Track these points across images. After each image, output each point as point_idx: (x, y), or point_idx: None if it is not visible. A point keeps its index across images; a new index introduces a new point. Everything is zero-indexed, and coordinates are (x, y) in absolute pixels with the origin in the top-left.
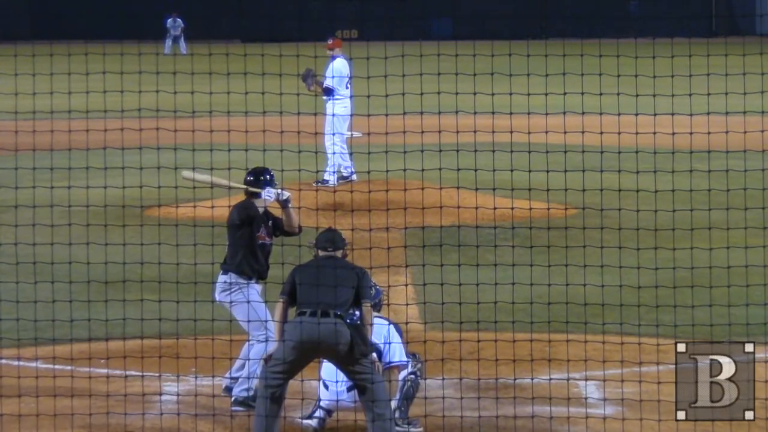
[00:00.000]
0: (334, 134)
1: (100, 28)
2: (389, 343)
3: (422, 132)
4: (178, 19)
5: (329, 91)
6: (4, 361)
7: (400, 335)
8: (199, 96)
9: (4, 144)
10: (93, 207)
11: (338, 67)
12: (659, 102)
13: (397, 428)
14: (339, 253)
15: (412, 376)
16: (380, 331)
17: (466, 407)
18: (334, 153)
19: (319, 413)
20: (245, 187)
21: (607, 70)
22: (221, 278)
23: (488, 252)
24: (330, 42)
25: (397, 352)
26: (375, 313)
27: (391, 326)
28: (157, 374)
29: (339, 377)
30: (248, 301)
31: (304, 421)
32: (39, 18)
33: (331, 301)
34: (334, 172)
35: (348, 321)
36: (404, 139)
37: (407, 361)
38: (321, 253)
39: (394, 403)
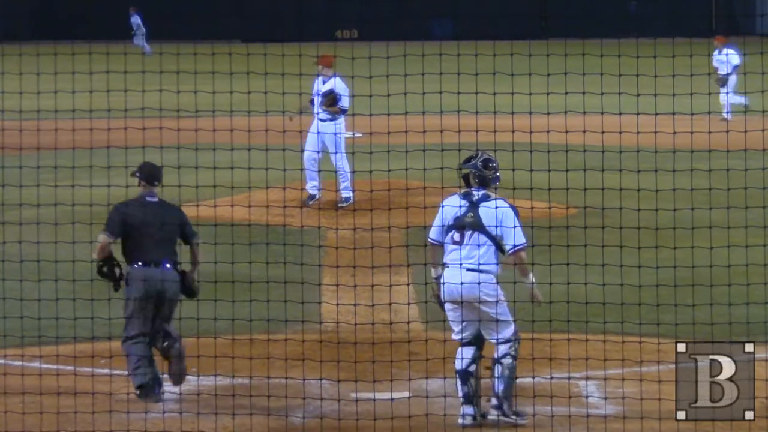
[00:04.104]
0: (343, 153)
1: (101, 28)
2: (503, 227)
3: (424, 132)
4: (136, 15)
5: (343, 111)
6: (8, 359)
7: (516, 217)
8: (201, 96)
9: (9, 143)
10: (96, 206)
11: (342, 85)
12: (660, 101)
13: (505, 418)
14: (160, 187)
15: (509, 359)
16: (493, 214)
17: None
18: (346, 171)
19: (467, 410)
20: None
21: (608, 69)
22: None
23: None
24: (322, 58)
25: (512, 236)
26: (498, 197)
27: (507, 209)
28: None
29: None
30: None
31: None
32: (39, 19)
33: (164, 251)
34: (350, 189)
35: (176, 266)
36: (406, 139)
37: (523, 245)
38: (146, 188)
39: (500, 390)
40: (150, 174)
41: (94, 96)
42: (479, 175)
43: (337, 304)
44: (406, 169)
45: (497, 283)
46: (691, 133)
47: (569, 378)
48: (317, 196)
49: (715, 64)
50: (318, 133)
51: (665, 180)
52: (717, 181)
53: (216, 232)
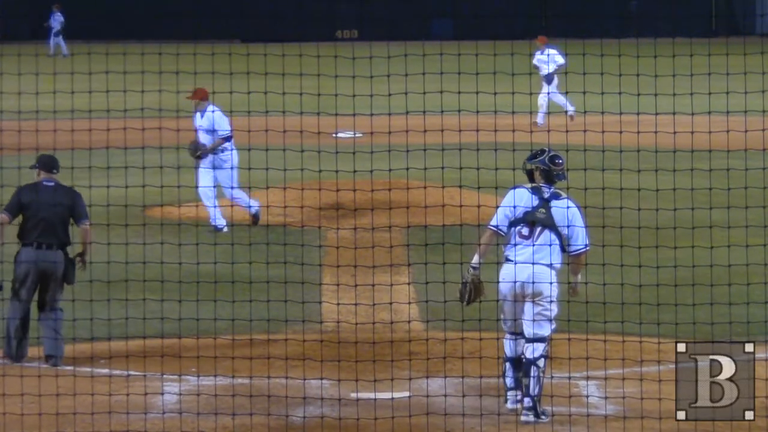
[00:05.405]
0: (238, 187)
1: (100, 28)
2: (573, 226)
3: (424, 131)
4: (58, 13)
5: (228, 139)
6: (7, 360)
7: (583, 218)
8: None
9: (8, 143)
10: (95, 206)
11: (219, 118)
12: (661, 101)
13: (539, 420)
14: (57, 175)
15: (543, 360)
16: (564, 214)
17: (468, 406)
18: (215, 207)
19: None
20: None
21: (608, 69)
22: None
23: (490, 251)
24: (195, 92)
25: (581, 236)
26: (567, 196)
27: (576, 209)
28: (159, 374)
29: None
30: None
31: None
32: (39, 19)
33: (54, 232)
34: (216, 218)
35: (66, 250)
36: (407, 139)
37: (588, 246)
38: (44, 174)
39: (535, 390)
40: (47, 163)
41: (93, 96)
42: (545, 171)
43: (338, 304)
44: (407, 169)
45: (559, 282)
46: (692, 133)
47: (569, 378)
48: (254, 209)
49: (536, 63)
50: (213, 168)
51: (665, 180)
52: (717, 181)
53: (216, 232)
